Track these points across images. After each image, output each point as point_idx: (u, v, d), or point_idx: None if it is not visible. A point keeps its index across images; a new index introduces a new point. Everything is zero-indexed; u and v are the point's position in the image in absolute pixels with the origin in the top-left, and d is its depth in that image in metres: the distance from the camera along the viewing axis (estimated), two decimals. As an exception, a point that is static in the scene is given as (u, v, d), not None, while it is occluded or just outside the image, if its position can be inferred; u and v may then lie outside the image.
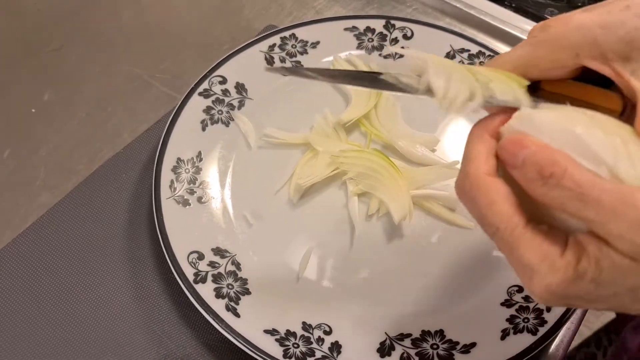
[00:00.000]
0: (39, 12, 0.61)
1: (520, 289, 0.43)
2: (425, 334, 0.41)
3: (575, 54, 0.28)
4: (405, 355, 0.40)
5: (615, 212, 0.23)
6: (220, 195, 0.47)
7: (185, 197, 0.46)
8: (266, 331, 0.40)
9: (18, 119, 0.53)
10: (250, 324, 0.40)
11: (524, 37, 0.54)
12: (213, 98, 0.51)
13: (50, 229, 0.46)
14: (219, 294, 0.41)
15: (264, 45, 0.54)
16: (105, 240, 0.46)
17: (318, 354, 0.40)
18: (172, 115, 0.49)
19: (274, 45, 0.54)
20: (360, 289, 0.44)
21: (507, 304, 0.42)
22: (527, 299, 0.42)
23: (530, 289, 0.26)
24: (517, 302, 0.42)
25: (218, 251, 0.44)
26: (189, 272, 0.42)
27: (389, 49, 0.55)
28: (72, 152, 0.51)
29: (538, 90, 0.30)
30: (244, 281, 0.43)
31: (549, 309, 0.41)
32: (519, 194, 0.27)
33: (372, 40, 0.55)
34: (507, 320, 0.41)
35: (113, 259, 0.45)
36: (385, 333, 0.41)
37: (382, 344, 0.41)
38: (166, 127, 0.48)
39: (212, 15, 0.62)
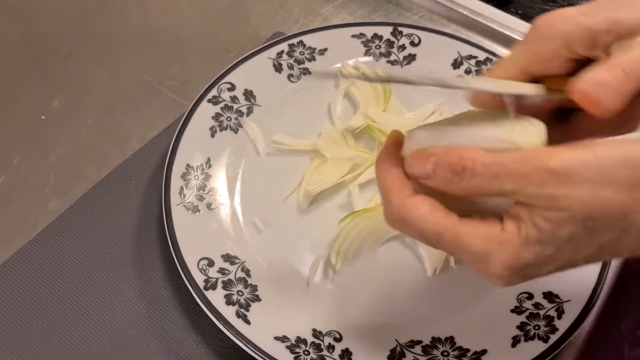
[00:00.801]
0: (47, 19, 0.62)
1: (530, 296, 0.43)
2: (435, 340, 0.41)
3: (565, 41, 0.30)
4: (416, 362, 0.40)
5: (524, 176, 0.26)
6: (230, 202, 0.47)
7: (194, 204, 0.46)
8: (277, 338, 0.40)
9: (28, 126, 0.53)
10: (260, 330, 0.40)
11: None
12: (222, 105, 0.51)
13: (59, 235, 0.47)
14: (229, 301, 0.41)
15: (272, 52, 0.54)
16: (114, 246, 0.46)
17: (329, 361, 0.40)
18: (181, 121, 0.49)
19: (282, 52, 0.55)
20: (370, 295, 0.44)
21: (517, 310, 0.42)
22: (537, 306, 0.42)
23: (490, 272, 0.28)
24: (527, 309, 0.42)
25: (228, 258, 0.44)
26: (199, 279, 0.42)
27: (396, 55, 0.55)
28: (81, 159, 0.51)
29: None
30: (254, 288, 0.43)
31: (560, 316, 0.41)
32: (441, 199, 0.29)
33: (380, 47, 0.55)
34: (518, 327, 0.41)
35: (122, 266, 0.45)
36: (396, 340, 0.41)
37: (393, 350, 0.41)
38: (175, 134, 0.48)
39: (220, 22, 0.62)
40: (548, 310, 0.41)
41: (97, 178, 0.50)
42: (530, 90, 0.31)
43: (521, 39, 0.32)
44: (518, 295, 0.43)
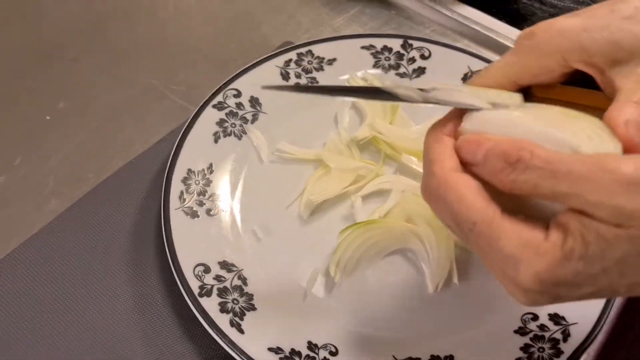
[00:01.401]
0: (58, 23, 0.62)
1: (535, 317, 0.41)
2: (434, 359, 0.40)
3: (561, 58, 0.28)
4: (413, 380, 0.38)
5: (589, 180, 0.23)
6: (230, 209, 0.46)
7: (194, 209, 0.45)
8: (270, 349, 0.39)
9: (32, 127, 0.53)
10: (254, 340, 0.39)
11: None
12: (227, 111, 0.51)
13: (56, 236, 0.46)
14: (223, 309, 0.40)
15: (280, 60, 0.54)
16: (110, 249, 0.45)
17: (323, 375, 0.38)
18: (185, 126, 0.49)
19: (290, 60, 0.54)
20: (369, 309, 0.42)
21: (521, 331, 0.40)
22: (542, 327, 0.40)
23: (517, 282, 0.25)
24: (532, 331, 0.40)
25: (225, 265, 0.43)
26: (194, 285, 0.41)
27: (405, 68, 0.54)
28: (83, 161, 0.51)
29: (529, 96, 0.30)
30: (250, 297, 0.42)
31: (565, 339, 0.39)
32: (490, 194, 0.26)
33: (389, 59, 0.55)
34: (521, 348, 0.40)
35: (117, 269, 0.45)
36: (393, 356, 0.40)
37: (390, 368, 0.39)
38: (179, 137, 0.48)
39: (229, 31, 0.62)
40: (553, 333, 0.40)
41: (98, 181, 0.49)
42: (510, 100, 0.29)
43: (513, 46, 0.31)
44: (522, 316, 0.41)
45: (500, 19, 0.61)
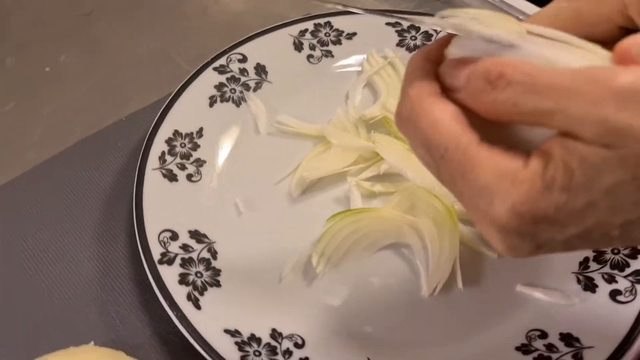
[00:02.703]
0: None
1: (543, 334, 0.35)
2: (415, 367, 0.34)
3: (622, 5, 0.24)
4: (384, 387, 0.33)
5: (575, 91, 0.19)
6: (214, 177, 0.42)
7: (173, 172, 0.41)
8: (227, 331, 0.34)
9: (30, 76, 0.51)
10: (210, 319, 0.34)
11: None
12: (228, 75, 0.47)
13: (29, 187, 0.43)
14: (183, 280, 0.36)
15: (295, 29, 0.50)
16: (82, 207, 0.42)
17: (281, 368, 0.33)
18: (179, 86, 0.45)
19: (306, 30, 0.50)
20: (350, 306, 0.37)
21: (524, 349, 0.34)
22: (550, 347, 0.34)
23: (491, 217, 0.22)
24: (537, 350, 0.34)
25: (196, 234, 0.39)
26: (156, 251, 0.37)
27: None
28: (74, 116, 0.48)
29: None
30: (217, 272, 0.37)
31: (575, 364, 0.33)
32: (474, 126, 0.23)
33: (415, 38, 0.50)
34: (521, 369, 0.33)
35: (86, 229, 0.41)
36: (368, 358, 0.34)
37: (361, 370, 0.34)
38: (170, 97, 0.44)
39: (250, 1, 0.58)
40: (563, 355, 0.33)
41: (84, 136, 0.46)
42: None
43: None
44: (528, 332, 0.35)
45: (542, 6, 0.55)
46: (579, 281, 0.37)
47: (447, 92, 0.24)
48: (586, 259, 0.37)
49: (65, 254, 0.40)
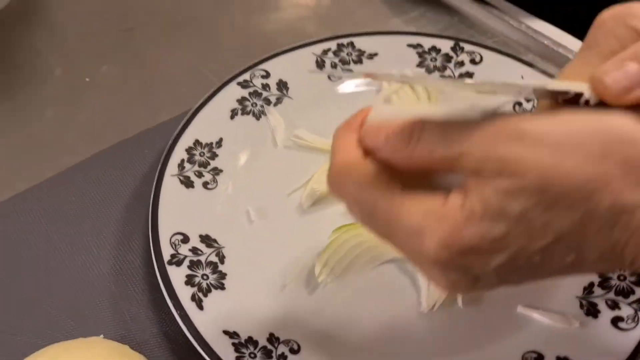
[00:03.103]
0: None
1: (539, 357, 0.34)
2: (406, 380, 0.34)
3: (636, 33, 0.25)
4: (374, 397, 0.33)
5: (475, 136, 0.22)
6: (229, 186, 0.44)
7: (190, 179, 0.43)
8: (225, 332, 0.35)
9: (71, 85, 0.54)
10: (211, 319, 0.36)
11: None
12: (251, 90, 0.49)
13: (58, 189, 0.46)
14: (189, 281, 0.38)
15: (318, 48, 0.51)
16: (106, 207, 0.45)
17: (273, 371, 0.34)
18: (203, 98, 0.47)
19: (329, 50, 0.51)
20: (348, 318, 0.38)
21: (518, 371, 0.34)
22: (544, 369, 0.34)
23: (424, 254, 0.23)
24: (531, 372, 0.34)
25: (206, 239, 0.40)
26: (167, 252, 0.39)
27: (452, 71, 0.50)
28: (107, 123, 0.51)
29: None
30: (222, 275, 0.39)
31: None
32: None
33: (435, 59, 0.51)
34: (513, 391, 0.33)
35: (107, 228, 0.44)
36: (361, 368, 0.35)
37: (353, 379, 0.34)
38: (194, 108, 0.47)
39: (283, 21, 0.61)
40: (558, 380, 0.33)
41: (114, 143, 0.49)
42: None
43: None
44: (525, 354, 0.35)
45: (573, 34, 0.55)
46: (581, 306, 0.36)
47: (370, 153, 0.26)
48: (591, 284, 0.37)
49: (86, 250, 0.42)
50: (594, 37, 0.26)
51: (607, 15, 0.26)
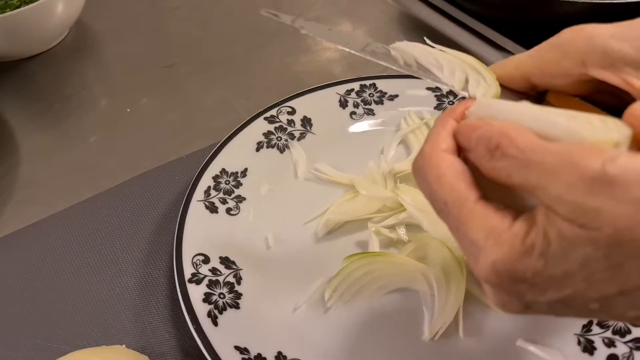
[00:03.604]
0: (166, 35, 0.69)
1: (534, 389, 0.36)
2: (404, 404, 0.36)
3: (581, 61, 0.26)
4: (372, 418, 0.35)
5: (555, 172, 0.21)
6: (251, 213, 0.47)
7: (215, 205, 0.46)
8: (237, 348, 0.38)
9: (114, 115, 0.59)
10: (224, 335, 0.38)
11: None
12: (277, 125, 0.52)
13: (94, 209, 0.50)
14: (207, 299, 0.40)
15: (342, 88, 0.55)
16: (138, 227, 0.48)
17: (278, 386, 0.36)
18: (232, 131, 0.51)
19: (352, 90, 0.55)
20: (354, 341, 0.40)
21: (513, 401, 0.35)
22: (538, 401, 0.35)
23: (476, 270, 0.24)
24: (525, 402, 0.35)
25: (226, 261, 0.43)
26: (188, 271, 0.42)
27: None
28: (144, 151, 0.55)
29: (542, 101, 0.27)
30: (238, 295, 0.41)
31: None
32: (482, 184, 0.25)
33: (453, 102, 0.53)
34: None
35: (137, 247, 0.47)
36: (361, 390, 0.37)
37: (353, 399, 0.36)
38: (222, 140, 0.50)
39: (312, 66, 0.65)
40: (548, 411, 0.34)
41: (150, 169, 0.53)
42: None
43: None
44: (521, 385, 0.36)
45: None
46: (579, 342, 0.37)
47: (462, 151, 0.26)
48: (590, 322, 0.38)
49: (115, 266, 0.46)
50: (553, 44, 0.28)
51: (569, 31, 0.27)
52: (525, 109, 0.25)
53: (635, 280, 0.21)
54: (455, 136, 0.26)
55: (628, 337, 0.36)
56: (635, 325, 0.23)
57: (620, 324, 0.37)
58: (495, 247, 0.23)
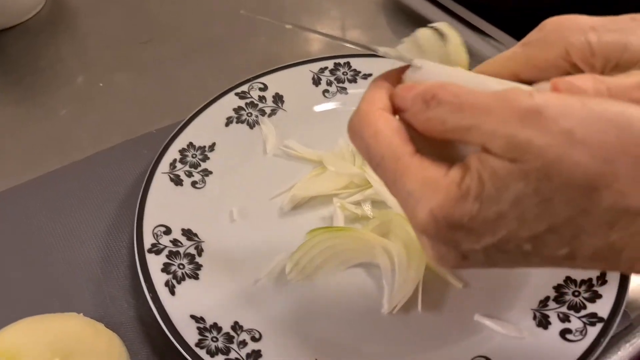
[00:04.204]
0: (142, 10, 0.69)
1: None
2: (357, 374, 0.36)
3: (565, 52, 0.27)
4: (323, 387, 0.35)
5: (488, 110, 0.22)
6: (216, 187, 0.47)
7: (180, 177, 0.46)
8: (192, 317, 0.38)
9: (87, 89, 0.59)
10: (180, 304, 0.38)
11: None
12: (248, 100, 0.52)
13: (66, 179, 0.49)
14: (165, 269, 0.40)
15: (316, 66, 0.54)
16: (103, 200, 0.48)
17: (232, 355, 0.36)
18: (202, 105, 0.51)
19: (326, 68, 0.54)
20: (312, 314, 0.40)
21: (466, 372, 0.35)
22: (490, 374, 0.35)
23: (414, 221, 0.24)
24: (479, 374, 0.35)
25: (187, 232, 0.43)
26: (148, 241, 0.41)
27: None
28: (115, 125, 0.55)
29: None
30: (198, 266, 0.41)
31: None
32: (418, 143, 0.25)
33: (425, 82, 0.53)
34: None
35: (102, 218, 0.47)
36: (316, 359, 0.36)
37: (306, 368, 0.36)
38: (191, 115, 0.50)
39: (286, 41, 0.64)
40: (499, 383, 0.34)
41: (118, 142, 0.53)
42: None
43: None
44: (474, 358, 0.36)
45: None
46: (535, 317, 0.37)
47: (398, 112, 0.27)
48: (547, 298, 0.38)
49: (78, 237, 0.45)
50: (536, 37, 0.28)
51: (552, 22, 0.28)
52: (458, 73, 0.26)
53: (563, 214, 0.21)
54: (391, 98, 0.27)
55: (583, 312, 0.36)
56: (561, 266, 0.23)
57: (577, 300, 0.37)
58: (432, 194, 0.23)
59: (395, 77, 0.28)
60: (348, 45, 0.32)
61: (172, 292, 0.39)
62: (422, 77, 0.27)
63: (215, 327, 0.38)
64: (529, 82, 0.28)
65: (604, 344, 0.34)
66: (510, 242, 0.23)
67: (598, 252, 0.22)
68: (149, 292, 0.38)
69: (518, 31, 0.60)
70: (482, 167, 0.22)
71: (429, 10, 0.67)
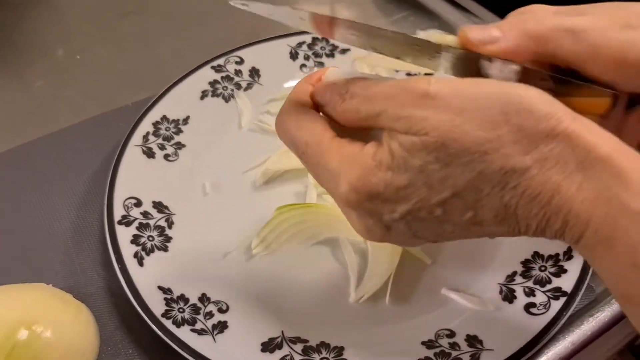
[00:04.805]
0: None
1: (451, 334, 0.36)
2: (322, 345, 0.36)
3: (534, 44, 0.28)
4: (288, 357, 0.35)
5: (391, 97, 0.26)
6: (189, 160, 0.47)
7: (153, 150, 0.46)
8: (160, 287, 0.38)
9: (63, 61, 0.58)
10: (148, 276, 0.38)
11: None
12: (223, 74, 0.52)
13: (41, 150, 0.49)
14: (135, 241, 0.40)
15: (294, 40, 0.54)
16: (77, 172, 0.48)
17: (198, 325, 0.36)
18: (177, 79, 0.50)
19: (303, 42, 0.54)
20: (278, 289, 0.40)
21: (428, 344, 0.35)
22: (453, 346, 0.35)
23: (337, 196, 0.27)
24: (440, 346, 0.35)
25: (159, 205, 0.43)
26: (118, 213, 0.41)
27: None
28: (91, 98, 0.54)
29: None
30: (168, 239, 0.41)
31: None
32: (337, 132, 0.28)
33: (403, 58, 0.52)
34: (420, 360, 0.35)
35: (75, 190, 0.47)
36: (282, 331, 0.37)
37: (272, 340, 0.36)
38: (166, 87, 0.49)
39: (270, 20, 0.63)
40: (462, 354, 0.34)
41: (96, 114, 0.52)
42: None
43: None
44: (438, 330, 0.36)
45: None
46: (501, 291, 0.38)
47: (319, 107, 0.30)
48: (514, 272, 0.38)
49: (51, 208, 0.45)
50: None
51: (513, 14, 0.30)
52: (368, 74, 0.29)
53: (462, 178, 0.24)
54: (311, 96, 0.30)
55: (548, 287, 0.37)
56: (476, 234, 0.26)
57: (543, 275, 0.37)
58: (351, 167, 0.26)
59: (315, 78, 0.31)
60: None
61: (141, 264, 0.39)
62: (339, 78, 0.29)
63: (182, 298, 0.38)
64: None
65: (565, 317, 0.35)
66: (423, 209, 0.26)
67: (498, 213, 0.25)
68: (118, 263, 0.38)
69: (503, 10, 0.60)
70: (391, 142, 0.26)
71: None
